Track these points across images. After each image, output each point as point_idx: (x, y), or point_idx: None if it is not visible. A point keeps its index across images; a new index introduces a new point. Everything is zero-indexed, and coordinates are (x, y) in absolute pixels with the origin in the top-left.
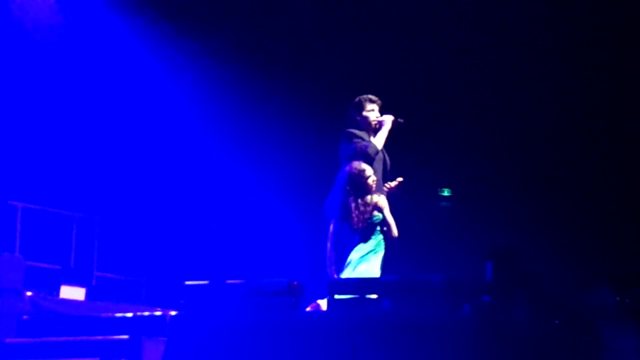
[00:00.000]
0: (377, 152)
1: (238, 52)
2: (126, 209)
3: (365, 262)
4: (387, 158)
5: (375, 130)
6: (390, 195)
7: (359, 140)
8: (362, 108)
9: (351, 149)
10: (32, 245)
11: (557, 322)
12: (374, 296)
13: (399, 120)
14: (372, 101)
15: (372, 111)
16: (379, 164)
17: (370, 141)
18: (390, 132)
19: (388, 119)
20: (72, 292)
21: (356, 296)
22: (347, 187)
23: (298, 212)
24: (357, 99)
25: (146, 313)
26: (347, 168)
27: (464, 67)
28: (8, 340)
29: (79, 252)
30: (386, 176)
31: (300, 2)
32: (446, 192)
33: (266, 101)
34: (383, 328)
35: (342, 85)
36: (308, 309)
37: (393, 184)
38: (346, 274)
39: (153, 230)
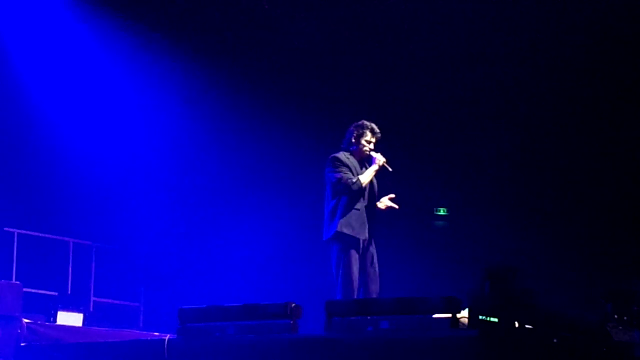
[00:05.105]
0: (360, 189)
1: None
2: (122, 234)
3: None
4: (375, 182)
5: (362, 158)
6: (386, 214)
7: (346, 170)
8: (363, 134)
9: (337, 177)
10: (29, 272)
11: (555, 340)
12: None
13: (389, 168)
14: (374, 133)
15: (369, 142)
16: (368, 188)
17: (357, 178)
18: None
19: (379, 160)
20: (70, 318)
21: None
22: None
23: (295, 235)
24: (361, 122)
25: (144, 338)
26: None
27: (458, 85)
28: None
29: (76, 277)
30: (375, 199)
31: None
32: (442, 212)
33: (259, 119)
34: (381, 349)
35: (337, 101)
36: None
37: (386, 201)
38: None
39: (150, 254)
